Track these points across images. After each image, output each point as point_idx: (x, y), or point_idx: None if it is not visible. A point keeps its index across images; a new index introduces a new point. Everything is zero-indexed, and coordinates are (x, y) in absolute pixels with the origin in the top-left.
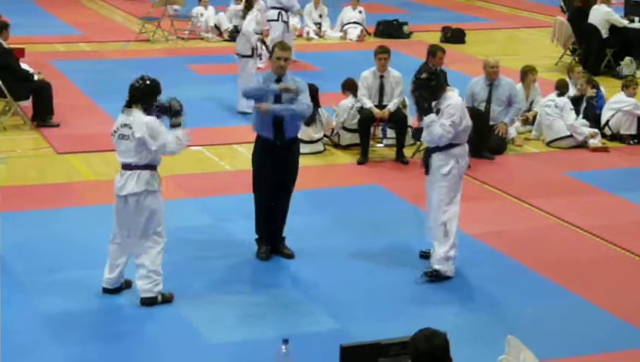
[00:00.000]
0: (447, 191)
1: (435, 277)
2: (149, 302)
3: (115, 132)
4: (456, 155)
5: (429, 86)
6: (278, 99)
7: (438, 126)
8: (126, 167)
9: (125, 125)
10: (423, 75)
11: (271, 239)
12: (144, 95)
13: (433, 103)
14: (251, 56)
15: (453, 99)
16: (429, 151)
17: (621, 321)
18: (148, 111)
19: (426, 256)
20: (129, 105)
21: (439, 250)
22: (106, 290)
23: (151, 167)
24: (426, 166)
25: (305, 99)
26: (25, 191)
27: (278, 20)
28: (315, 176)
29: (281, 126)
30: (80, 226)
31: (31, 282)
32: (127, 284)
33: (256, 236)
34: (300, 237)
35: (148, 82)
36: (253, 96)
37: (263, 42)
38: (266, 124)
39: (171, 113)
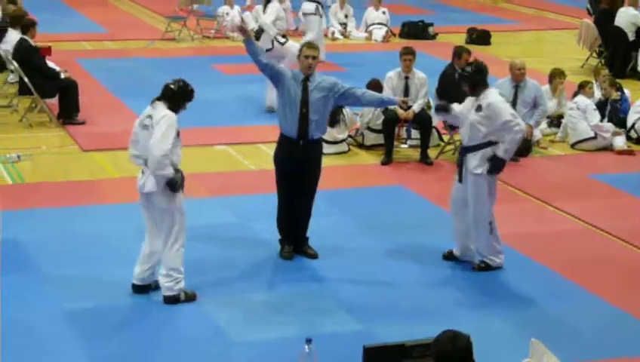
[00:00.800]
0: (488, 191)
1: (485, 268)
2: (171, 301)
3: (141, 121)
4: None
5: (474, 79)
6: (304, 92)
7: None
8: (146, 163)
9: (148, 116)
10: (469, 68)
11: (294, 239)
12: (174, 95)
13: (473, 99)
14: (272, 49)
15: (494, 97)
16: (464, 151)
17: None
18: (173, 111)
19: (449, 257)
20: (157, 99)
21: (487, 248)
22: (135, 287)
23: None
24: (460, 168)
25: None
26: (50, 188)
27: (315, 14)
28: (339, 176)
29: (307, 125)
30: (105, 223)
31: (55, 279)
32: (157, 285)
33: (279, 236)
34: (323, 238)
35: (182, 85)
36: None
37: (282, 37)
38: (291, 122)
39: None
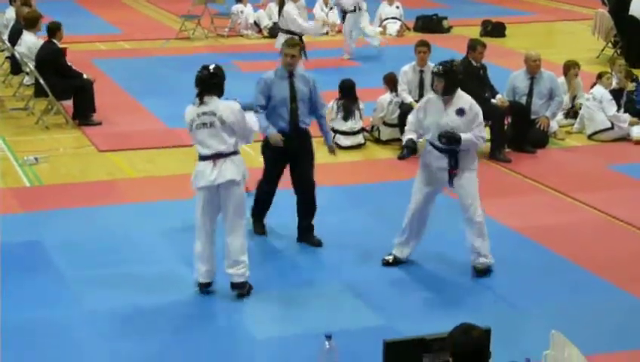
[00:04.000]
0: (477, 186)
1: (488, 270)
2: (240, 287)
3: (192, 122)
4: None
5: (453, 78)
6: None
7: (475, 139)
8: (216, 156)
9: (205, 113)
10: (447, 65)
11: (301, 230)
12: (214, 83)
13: (441, 102)
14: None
15: (469, 97)
16: (452, 154)
17: None
18: (221, 96)
19: (391, 262)
20: (201, 95)
21: (484, 246)
22: (202, 285)
23: (238, 152)
24: (451, 171)
25: (321, 99)
26: (68, 189)
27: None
28: (356, 171)
29: (296, 116)
30: (123, 223)
31: (76, 279)
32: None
33: (251, 216)
34: (341, 233)
35: (212, 70)
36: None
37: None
38: (280, 116)
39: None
